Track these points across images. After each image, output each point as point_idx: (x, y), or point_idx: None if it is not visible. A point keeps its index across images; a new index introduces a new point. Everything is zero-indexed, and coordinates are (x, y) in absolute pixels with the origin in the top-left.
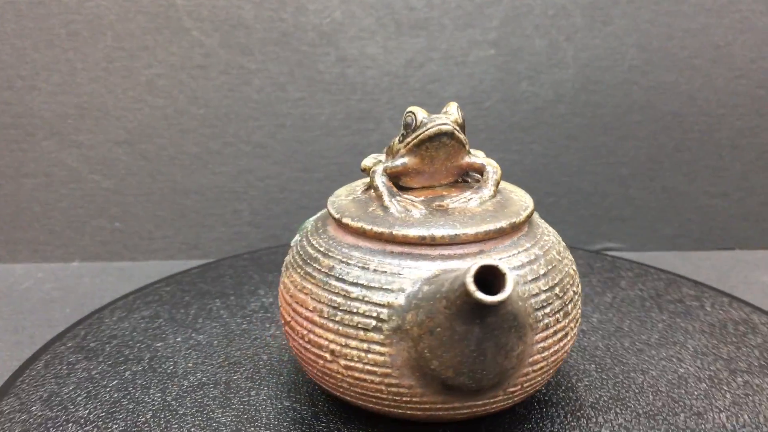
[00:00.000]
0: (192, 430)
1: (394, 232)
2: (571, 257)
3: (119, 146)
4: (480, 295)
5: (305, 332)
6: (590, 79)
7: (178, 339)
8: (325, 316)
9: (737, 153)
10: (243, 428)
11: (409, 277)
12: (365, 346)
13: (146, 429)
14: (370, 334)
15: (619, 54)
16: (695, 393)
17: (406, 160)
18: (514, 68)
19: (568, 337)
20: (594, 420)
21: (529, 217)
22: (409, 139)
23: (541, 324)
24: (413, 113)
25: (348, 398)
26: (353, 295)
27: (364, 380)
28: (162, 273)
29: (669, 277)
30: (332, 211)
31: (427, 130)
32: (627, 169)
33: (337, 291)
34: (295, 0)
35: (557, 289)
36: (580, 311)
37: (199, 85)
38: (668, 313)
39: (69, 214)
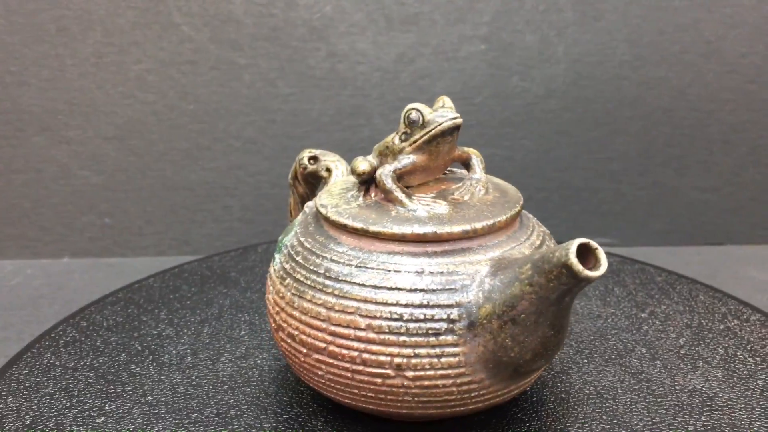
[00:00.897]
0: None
1: (438, 232)
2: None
3: (109, 142)
4: (588, 272)
5: (355, 354)
6: (581, 74)
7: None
8: (386, 330)
9: (728, 148)
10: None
11: (466, 273)
12: (437, 351)
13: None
14: (443, 338)
15: (609, 49)
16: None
17: (413, 158)
18: (505, 63)
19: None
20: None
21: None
22: (417, 137)
23: None
24: (418, 110)
25: (403, 411)
26: (416, 302)
27: (435, 386)
28: (152, 269)
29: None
30: (350, 222)
31: (439, 126)
32: (617, 165)
33: (395, 302)
34: None
35: None
36: None
37: (189, 81)
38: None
39: (59, 210)
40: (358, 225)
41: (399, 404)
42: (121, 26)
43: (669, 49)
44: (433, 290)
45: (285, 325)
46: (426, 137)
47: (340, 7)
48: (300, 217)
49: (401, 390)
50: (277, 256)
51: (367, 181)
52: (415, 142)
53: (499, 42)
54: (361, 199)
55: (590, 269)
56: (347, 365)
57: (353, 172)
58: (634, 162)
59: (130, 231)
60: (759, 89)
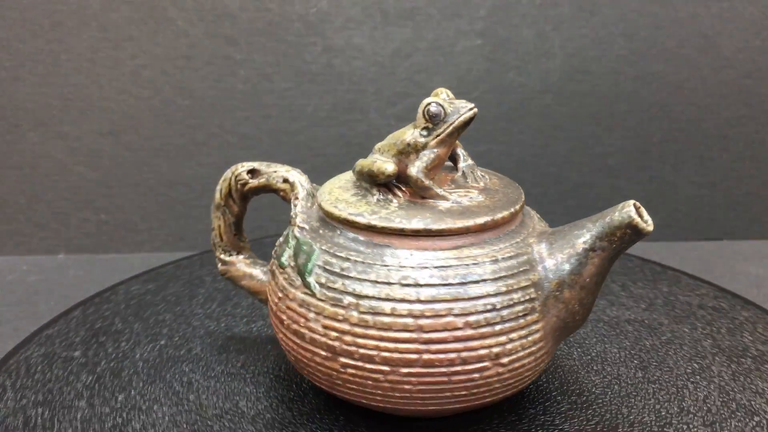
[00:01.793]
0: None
1: (494, 218)
2: None
3: (104, 138)
4: (649, 228)
5: (453, 355)
6: (577, 69)
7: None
8: (483, 323)
9: (724, 143)
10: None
11: (530, 252)
12: (525, 331)
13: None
14: (529, 317)
15: (606, 44)
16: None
17: (437, 151)
18: (502, 58)
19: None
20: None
21: None
22: (440, 130)
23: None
24: (439, 104)
25: (487, 401)
26: (504, 289)
27: (522, 366)
28: (148, 265)
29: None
30: (407, 226)
31: (461, 117)
32: (614, 159)
33: (485, 293)
34: None
35: None
36: None
37: (185, 76)
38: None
39: (54, 206)
40: (419, 227)
41: (487, 395)
42: (116, 21)
43: (666, 43)
44: (512, 274)
45: (352, 350)
46: (450, 129)
47: (336, 1)
48: (305, 237)
49: (494, 379)
50: (311, 280)
51: (384, 183)
52: (438, 135)
53: (496, 37)
54: (395, 201)
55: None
56: (444, 369)
57: (377, 174)
58: (631, 157)
59: (126, 227)
60: (756, 84)
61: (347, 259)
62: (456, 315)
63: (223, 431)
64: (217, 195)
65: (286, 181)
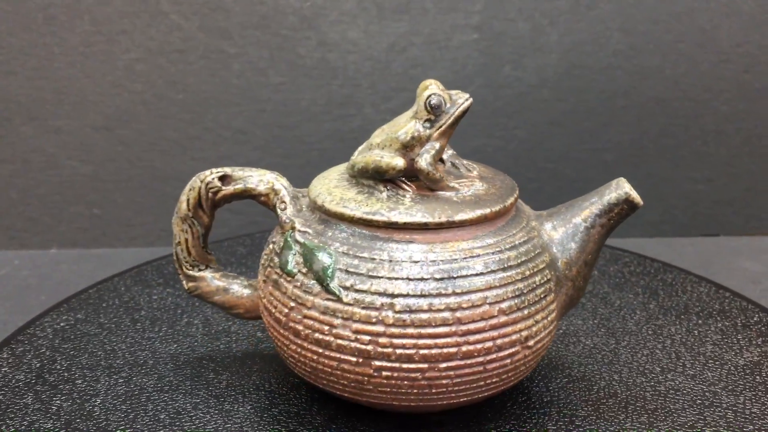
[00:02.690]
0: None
1: (505, 205)
2: None
3: (97, 132)
4: (641, 201)
5: (490, 344)
6: (574, 63)
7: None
8: (514, 308)
9: (722, 138)
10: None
11: (539, 234)
12: (545, 312)
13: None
14: (548, 298)
15: (603, 38)
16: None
17: (440, 142)
18: (497, 52)
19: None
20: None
21: None
22: (442, 121)
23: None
24: (440, 94)
25: (510, 384)
26: (527, 273)
27: (543, 347)
28: (141, 260)
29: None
30: (429, 219)
31: (461, 106)
32: (611, 155)
33: (512, 279)
34: None
35: None
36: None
37: (178, 70)
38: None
39: (47, 200)
40: (441, 219)
41: (512, 379)
42: (109, 15)
43: (663, 38)
44: (530, 258)
45: (389, 351)
46: (451, 120)
47: None
48: (311, 241)
49: (521, 362)
50: (334, 285)
51: (391, 178)
52: (440, 127)
53: (492, 31)
54: (407, 196)
55: None
56: (481, 359)
57: (387, 170)
58: (628, 152)
59: (119, 221)
60: (754, 79)
61: (372, 260)
62: (490, 303)
63: None
64: (184, 206)
65: (267, 185)
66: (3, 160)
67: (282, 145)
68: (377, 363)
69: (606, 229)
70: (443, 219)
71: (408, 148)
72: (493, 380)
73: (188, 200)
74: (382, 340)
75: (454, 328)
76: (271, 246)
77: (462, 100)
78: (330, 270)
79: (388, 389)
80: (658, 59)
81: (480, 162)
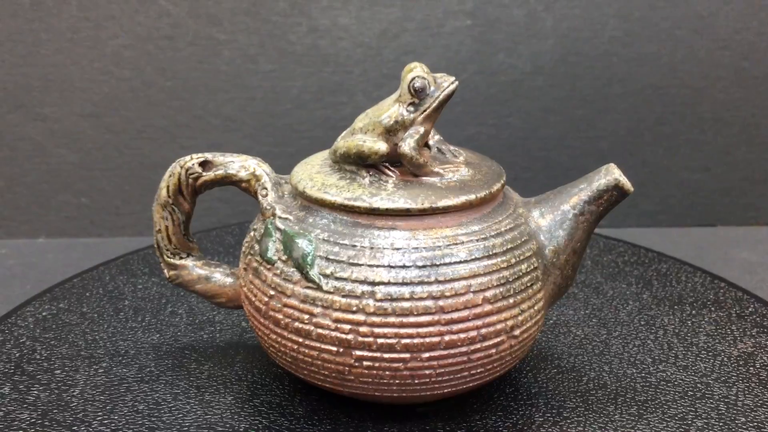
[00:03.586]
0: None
1: (492, 191)
2: None
3: (85, 119)
4: (631, 186)
5: (474, 333)
6: (569, 50)
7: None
8: (500, 297)
9: (719, 126)
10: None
11: (527, 221)
12: (532, 301)
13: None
14: (535, 287)
15: (599, 24)
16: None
17: (425, 126)
18: (491, 39)
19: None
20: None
21: None
22: (426, 105)
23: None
24: (424, 77)
25: (497, 375)
26: (513, 261)
27: (530, 337)
28: (129, 249)
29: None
30: (412, 206)
31: (446, 90)
32: (606, 143)
33: (497, 267)
34: None
35: None
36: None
37: (167, 57)
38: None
39: (34, 189)
40: (425, 205)
41: (498, 370)
42: (97, 0)
43: (660, 24)
44: (517, 246)
45: (369, 341)
46: (436, 104)
47: None
48: (292, 228)
49: (507, 353)
50: (314, 272)
51: (374, 163)
52: (424, 111)
53: (485, 17)
54: (389, 182)
55: None
56: (464, 349)
57: (369, 155)
58: (624, 141)
59: (107, 210)
60: (752, 66)
61: (353, 247)
62: (474, 292)
63: None
64: (163, 192)
65: (248, 171)
66: None
67: (272, 133)
68: (358, 352)
69: (595, 216)
70: (426, 205)
71: (391, 132)
72: (478, 371)
73: (168, 186)
74: (363, 329)
75: (436, 317)
76: (252, 233)
77: (447, 83)
78: (310, 257)
79: (370, 379)
80: (655, 46)
81: (474, 150)
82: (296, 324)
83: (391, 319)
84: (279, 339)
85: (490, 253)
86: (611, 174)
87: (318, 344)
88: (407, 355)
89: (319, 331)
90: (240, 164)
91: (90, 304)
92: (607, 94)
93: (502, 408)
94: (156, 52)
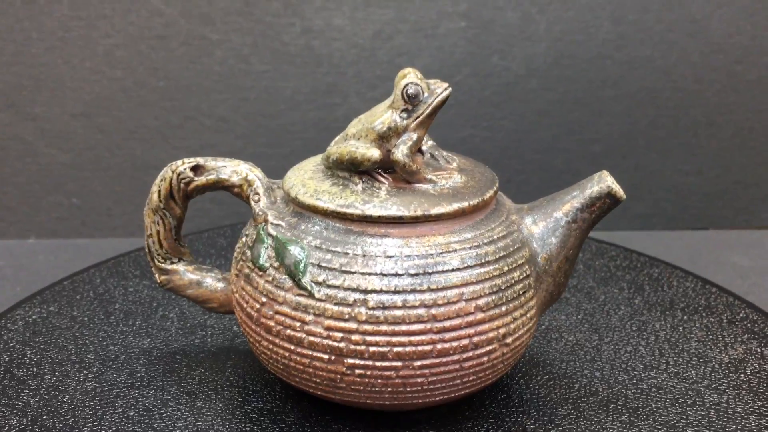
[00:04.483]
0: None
1: (484, 198)
2: None
3: (76, 119)
4: (623, 194)
5: (466, 342)
6: (563, 53)
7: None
8: (492, 305)
9: (713, 130)
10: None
11: (519, 229)
12: (524, 309)
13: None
14: (527, 294)
15: (593, 27)
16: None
17: (418, 132)
18: (485, 41)
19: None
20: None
21: None
22: (419, 112)
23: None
24: (417, 83)
25: (489, 382)
26: (506, 269)
27: (522, 345)
28: (120, 250)
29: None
30: (406, 213)
31: (439, 96)
32: (599, 146)
33: (490, 275)
34: None
35: None
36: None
37: (159, 56)
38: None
39: (24, 189)
40: (417, 213)
41: (490, 378)
42: None
43: (654, 27)
44: (509, 253)
45: (361, 349)
46: (429, 110)
47: None
48: (284, 234)
49: (499, 360)
50: (306, 280)
51: (367, 170)
52: (417, 117)
53: (479, 19)
54: (382, 188)
55: None
56: (456, 357)
57: (362, 161)
58: (617, 144)
59: (98, 211)
60: (745, 70)
61: (345, 254)
62: (467, 300)
63: None
64: (155, 197)
65: (240, 176)
66: None
67: (265, 134)
68: (350, 361)
69: (588, 224)
70: (419, 212)
71: (384, 138)
72: (470, 378)
73: (159, 191)
74: (355, 337)
75: (429, 326)
76: (244, 239)
77: (441, 89)
78: (302, 264)
79: (362, 387)
80: (649, 49)
81: (466, 153)
82: (288, 331)
83: (384, 327)
84: (271, 346)
85: (483, 261)
86: (604, 181)
87: (310, 352)
88: (399, 363)
89: (311, 338)
90: (232, 169)
91: (80, 308)
92: (601, 97)
93: (494, 415)
94: (148, 51)
